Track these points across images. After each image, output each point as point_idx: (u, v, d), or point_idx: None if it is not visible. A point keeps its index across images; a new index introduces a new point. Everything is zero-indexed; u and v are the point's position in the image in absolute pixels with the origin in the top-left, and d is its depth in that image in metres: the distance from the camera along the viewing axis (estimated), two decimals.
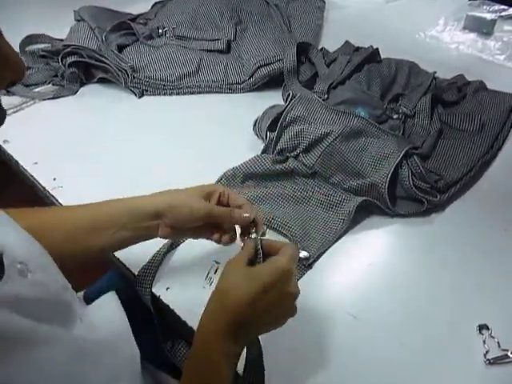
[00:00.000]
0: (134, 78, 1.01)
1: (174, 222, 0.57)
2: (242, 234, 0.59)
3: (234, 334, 0.48)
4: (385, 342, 0.61)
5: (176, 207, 0.56)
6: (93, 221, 0.57)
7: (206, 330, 0.49)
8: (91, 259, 0.62)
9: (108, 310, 0.55)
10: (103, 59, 1.00)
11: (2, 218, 0.48)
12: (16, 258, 0.41)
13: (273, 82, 1.04)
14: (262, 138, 0.88)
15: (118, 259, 0.69)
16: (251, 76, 1.03)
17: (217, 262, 0.68)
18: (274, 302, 0.49)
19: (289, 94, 0.90)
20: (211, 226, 0.59)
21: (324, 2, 1.34)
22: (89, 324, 0.48)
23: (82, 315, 0.48)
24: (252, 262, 0.53)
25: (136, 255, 0.68)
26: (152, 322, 0.67)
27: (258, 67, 1.03)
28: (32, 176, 0.83)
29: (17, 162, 0.85)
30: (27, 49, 1.11)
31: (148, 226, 0.57)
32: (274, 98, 0.98)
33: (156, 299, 0.66)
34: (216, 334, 0.48)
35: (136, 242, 0.60)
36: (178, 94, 1.03)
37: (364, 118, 0.86)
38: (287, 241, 0.72)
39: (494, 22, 1.27)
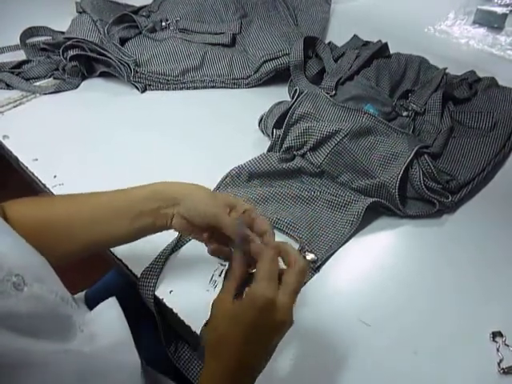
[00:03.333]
0: (136, 72, 0.99)
1: (188, 213, 0.55)
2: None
3: (238, 379, 0.47)
4: (399, 351, 0.59)
5: (193, 199, 0.54)
6: (111, 207, 0.56)
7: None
8: (108, 247, 0.63)
9: (109, 318, 0.53)
10: (105, 53, 0.98)
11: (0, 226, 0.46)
12: (12, 269, 0.39)
13: (279, 77, 1.01)
14: (268, 136, 0.85)
15: (121, 260, 0.67)
16: (257, 71, 1.01)
17: (222, 265, 0.67)
18: (265, 337, 0.47)
19: (295, 90, 0.87)
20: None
21: None
22: (89, 334, 0.47)
23: (83, 324, 0.47)
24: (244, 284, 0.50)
25: (138, 256, 0.66)
26: (154, 323, 0.66)
27: (264, 62, 1.00)
28: (32, 173, 0.81)
29: (16, 158, 0.83)
30: (28, 41, 1.09)
31: (165, 213, 0.56)
32: (280, 94, 0.96)
33: (159, 302, 0.64)
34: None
35: (151, 233, 0.59)
36: (181, 88, 1.01)
37: (373, 116, 0.84)
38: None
39: (505, 16, 1.24)
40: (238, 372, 0.47)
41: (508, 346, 0.58)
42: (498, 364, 0.57)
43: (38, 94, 0.98)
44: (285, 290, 0.46)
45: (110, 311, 0.55)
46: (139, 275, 0.65)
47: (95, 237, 0.57)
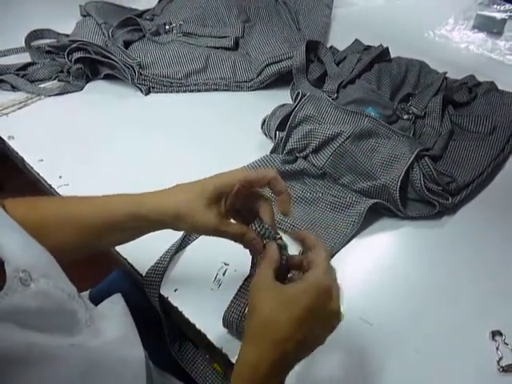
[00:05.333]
0: (140, 74, 1.00)
1: (182, 229, 0.55)
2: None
3: (277, 372, 0.45)
4: (400, 350, 0.60)
5: (181, 219, 0.52)
6: (97, 224, 0.55)
7: (246, 368, 0.45)
8: (95, 253, 0.62)
9: (114, 313, 0.54)
10: (110, 55, 0.99)
11: (7, 221, 0.47)
12: (19, 265, 0.40)
13: (281, 80, 1.02)
14: (271, 138, 0.87)
15: (126, 259, 0.68)
16: (259, 74, 1.02)
17: (225, 264, 0.68)
18: (317, 326, 0.45)
19: (298, 93, 0.88)
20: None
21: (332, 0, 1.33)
22: (95, 329, 0.47)
23: (89, 320, 0.47)
24: (277, 272, 0.48)
25: (144, 256, 0.67)
26: (157, 322, 0.67)
27: (267, 65, 1.02)
28: (37, 173, 0.82)
29: (22, 158, 0.84)
30: (33, 44, 1.10)
31: (158, 227, 0.56)
32: (282, 97, 0.97)
33: (164, 301, 0.65)
34: (256, 371, 0.44)
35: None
36: (185, 91, 1.02)
37: (374, 119, 0.85)
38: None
39: (504, 21, 1.26)
40: (280, 361, 0.44)
41: (507, 344, 0.59)
42: (498, 362, 0.58)
43: (42, 96, 0.99)
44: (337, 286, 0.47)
45: (115, 307, 0.56)
46: (144, 274, 0.66)
47: (88, 242, 0.57)
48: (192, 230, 0.54)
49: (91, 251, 0.61)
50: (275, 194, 0.53)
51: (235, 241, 0.54)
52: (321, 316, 0.45)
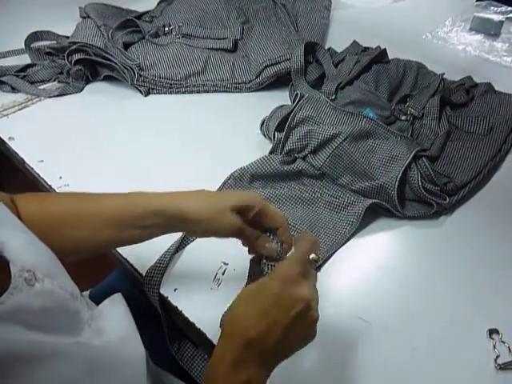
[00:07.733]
0: (140, 76, 1.01)
1: (203, 232, 0.56)
2: None
3: (242, 360, 0.44)
4: (398, 347, 0.60)
5: (206, 222, 0.54)
6: (117, 220, 0.55)
7: (215, 361, 0.46)
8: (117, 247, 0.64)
9: (115, 313, 0.54)
10: (109, 57, 1.00)
11: (10, 219, 0.47)
12: (24, 265, 0.40)
13: (280, 81, 1.03)
14: (270, 139, 0.87)
15: (126, 259, 0.68)
16: (258, 75, 1.03)
17: (225, 264, 0.68)
18: (283, 313, 0.45)
19: (296, 94, 0.89)
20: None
21: (330, 1, 1.34)
22: (96, 328, 0.48)
23: (90, 319, 0.48)
24: None
25: (143, 256, 0.68)
26: (157, 322, 0.67)
27: (265, 67, 1.02)
28: (38, 174, 0.82)
29: (22, 159, 0.85)
30: (32, 45, 1.10)
31: (176, 228, 0.58)
32: (280, 98, 0.98)
33: (164, 300, 0.65)
34: (223, 362, 0.45)
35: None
36: (184, 92, 1.03)
37: (372, 119, 0.86)
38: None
39: (501, 23, 1.26)
40: (240, 351, 0.44)
41: (504, 342, 0.60)
42: (495, 360, 0.58)
43: (42, 97, 1.00)
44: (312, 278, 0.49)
45: (116, 306, 0.56)
46: (144, 273, 0.67)
47: (102, 240, 0.57)
48: (215, 231, 0.56)
49: (101, 251, 0.61)
50: (280, 241, 0.56)
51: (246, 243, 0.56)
52: (286, 303, 0.45)
